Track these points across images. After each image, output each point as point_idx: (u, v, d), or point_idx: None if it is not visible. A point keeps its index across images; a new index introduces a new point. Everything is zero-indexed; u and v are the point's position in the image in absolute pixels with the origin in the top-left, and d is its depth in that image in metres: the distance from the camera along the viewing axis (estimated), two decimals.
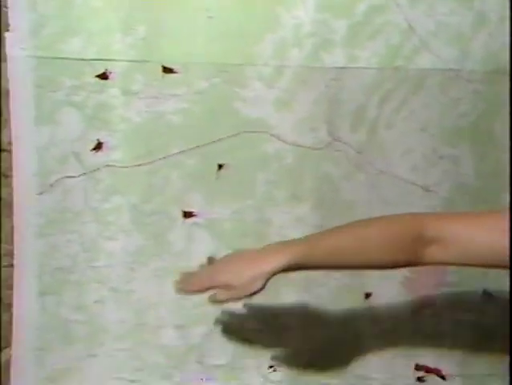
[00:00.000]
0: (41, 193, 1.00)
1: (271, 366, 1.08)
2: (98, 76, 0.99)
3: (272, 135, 1.06)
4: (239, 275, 0.81)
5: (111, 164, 1.02)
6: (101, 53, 0.99)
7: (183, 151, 1.04)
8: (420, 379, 1.11)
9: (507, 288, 1.13)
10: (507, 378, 1.06)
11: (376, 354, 1.10)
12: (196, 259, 1.04)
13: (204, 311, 1.05)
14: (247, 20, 1.04)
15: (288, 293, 1.08)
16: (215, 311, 1.05)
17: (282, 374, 1.09)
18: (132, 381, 1.05)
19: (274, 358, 1.08)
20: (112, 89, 1.00)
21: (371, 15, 1.08)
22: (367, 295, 1.10)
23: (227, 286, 0.82)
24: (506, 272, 0.81)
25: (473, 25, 1.10)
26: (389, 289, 1.11)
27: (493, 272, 1.12)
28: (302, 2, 1.06)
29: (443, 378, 1.10)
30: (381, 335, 1.10)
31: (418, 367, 1.10)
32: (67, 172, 1.01)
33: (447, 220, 0.80)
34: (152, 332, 1.05)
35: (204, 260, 1.04)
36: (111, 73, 1.00)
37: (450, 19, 1.10)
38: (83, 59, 0.99)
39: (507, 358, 1.05)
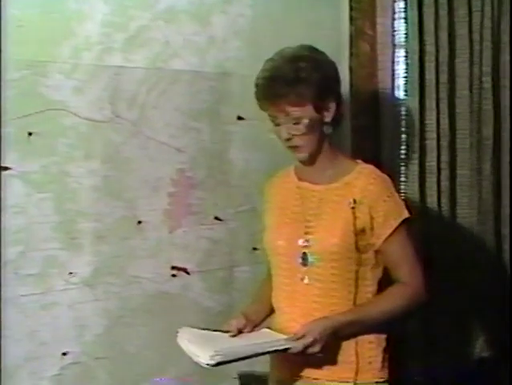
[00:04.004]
0: None
1: (71, 273, 1.53)
2: None
3: (70, 112, 1.49)
4: None
5: None
6: None
7: (2, 122, 1.42)
8: (173, 276, 1.67)
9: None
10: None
11: (144, 261, 1.62)
12: (11, 200, 1.43)
13: (18, 236, 1.45)
14: (51, 29, 1.44)
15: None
16: (27, 236, 1.46)
17: (78, 278, 1.52)
18: None
19: (72, 267, 1.54)
20: None
21: (140, 31, 1.56)
22: (139, 222, 1.61)
23: None
24: None
25: (208, 42, 1.65)
26: (155, 218, 1.62)
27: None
28: (91, 19, 1.49)
29: (188, 273, 1.68)
30: (149, 248, 1.61)
31: (173, 268, 1.66)
32: None
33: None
34: None
35: (18, 201, 1.44)
36: None
37: (194, 37, 1.63)
38: None
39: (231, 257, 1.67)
